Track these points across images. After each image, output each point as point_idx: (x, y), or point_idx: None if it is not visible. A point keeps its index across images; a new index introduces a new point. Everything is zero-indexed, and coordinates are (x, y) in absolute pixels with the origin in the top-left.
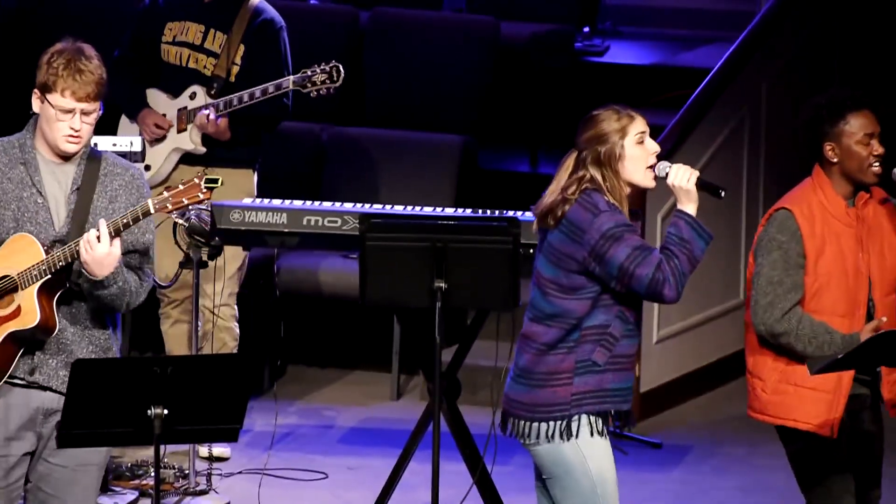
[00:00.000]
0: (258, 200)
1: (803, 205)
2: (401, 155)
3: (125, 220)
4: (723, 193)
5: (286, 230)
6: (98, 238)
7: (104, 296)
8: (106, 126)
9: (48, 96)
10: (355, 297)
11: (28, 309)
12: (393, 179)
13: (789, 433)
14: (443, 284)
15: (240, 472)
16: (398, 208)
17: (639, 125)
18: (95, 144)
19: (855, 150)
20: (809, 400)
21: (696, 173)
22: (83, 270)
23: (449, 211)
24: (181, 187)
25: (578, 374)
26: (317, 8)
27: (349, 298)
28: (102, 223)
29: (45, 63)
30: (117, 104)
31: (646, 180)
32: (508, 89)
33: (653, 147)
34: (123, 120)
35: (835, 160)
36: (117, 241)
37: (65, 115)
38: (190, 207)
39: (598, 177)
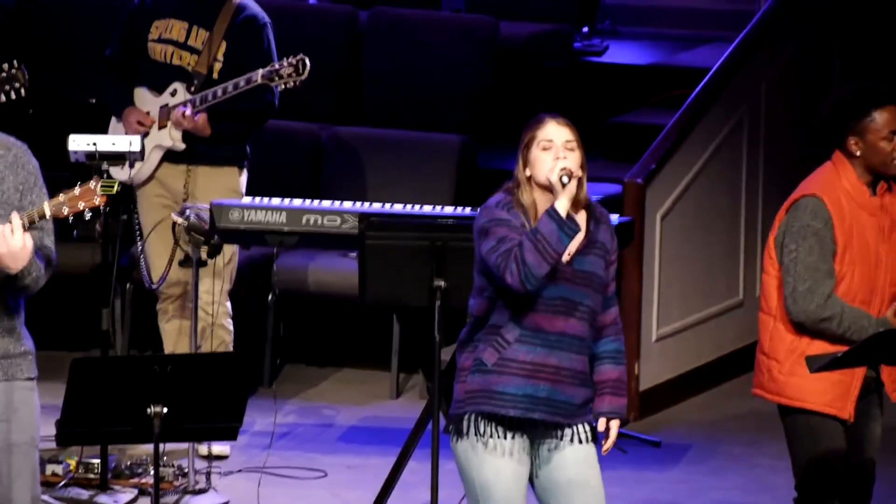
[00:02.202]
0: (257, 199)
1: (830, 193)
2: (400, 154)
3: (21, 222)
4: (566, 180)
5: (285, 229)
6: (12, 231)
7: (17, 286)
8: (103, 127)
9: None
10: (354, 295)
11: None
12: (392, 179)
13: (793, 409)
14: (442, 283)
15: (239, 471)
16: (397, 207)
17: (547, 132)
18: (95, 144)
19: (880, 147)
20: (827, 382)
21: (560, 166)
22: None
23: (448, 210)
24: (77, 191)
25: (471, 373)
26: (316, 7)
27: (348, 297)
28: (16, 216)
29: None
30: (106, 103)
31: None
32: (507, 89)
33: (556, 153)
34: (113, 120)
35: (858, 154)
36: (28, 235)
37: None
38: (188, 206)
39: (518, 178)
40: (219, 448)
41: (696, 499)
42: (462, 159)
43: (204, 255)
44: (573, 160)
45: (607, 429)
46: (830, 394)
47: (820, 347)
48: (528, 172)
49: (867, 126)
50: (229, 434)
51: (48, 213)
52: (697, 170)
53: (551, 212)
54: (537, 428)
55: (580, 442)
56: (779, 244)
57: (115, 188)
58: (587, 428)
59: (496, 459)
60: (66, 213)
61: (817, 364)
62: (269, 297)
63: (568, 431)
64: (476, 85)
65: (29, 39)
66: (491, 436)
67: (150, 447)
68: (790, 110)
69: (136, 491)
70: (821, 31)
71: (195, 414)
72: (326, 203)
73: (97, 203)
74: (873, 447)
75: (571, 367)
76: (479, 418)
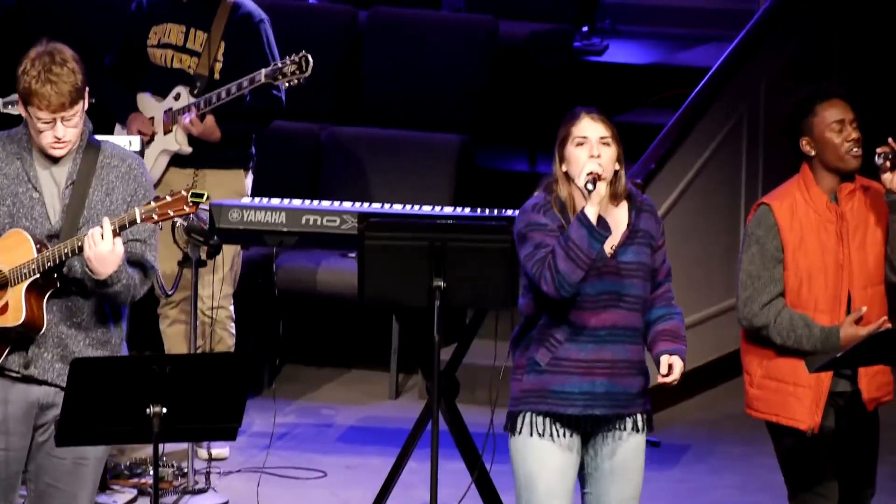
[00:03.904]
0: (257, 199)
1: (784, 199)
2: (399, 154)
3: (113, 227)
4: (590, 186)
5: (285, 229)
6: (102, 235)
7: (108, 293)
8: (102, 128)
9: (28, 108)
10: (354, 296)
11: (14, 306)
12: (391, 179)
13: (777, 428)
14: (441, 283)
15: (238, 471)
16: (397, 207)
17: (582, 128)
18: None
19: (828, 138)
20: (791, 396)
21: (586, 171)
22: (87, 269)
23: (447, 210)
24: (168, 199)
25: (526, 372)
26: (315, 7)
27: (348, 297)
28: (106, 221)
29: (21, 74)
30: (110, 110)
31: (580, 182)
32: (507, 88)
33: (590, 150)
34: (118, 127)
35: (812, 153)
36: (119, 240)
37: (46, 126)
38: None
39: (555, 174)
40: (218, 451)
41: (696, 498)
42: (461, 159)
43: (203, 256)
44: (608, 156)
45: (670, 366)
46: (795, 408)
47: (784, 362)
48: (564, 168)
49: (813, 122)
50: (228, 434)
51: (139, 219)
52: (697, 170)
53: (581, 217)
54: (598, 421)
55: (636, 431)
56: None
57: (204, 199)
58: (644, 418)
59: (544, 452)
60: (156, 220)
61: (816, 364)
62: (269, 297)
63: (628, 421)
64: (475, 84)
65: (28, 39)
66: (551, 434)
67: (149, 447)
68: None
69: (135, 491)
70: (820, 31)
71: (194, 414)
72: (326, 203)
73: (187, 211)
74: (870, 456)
75: (627, 357)
76: (536, 416)
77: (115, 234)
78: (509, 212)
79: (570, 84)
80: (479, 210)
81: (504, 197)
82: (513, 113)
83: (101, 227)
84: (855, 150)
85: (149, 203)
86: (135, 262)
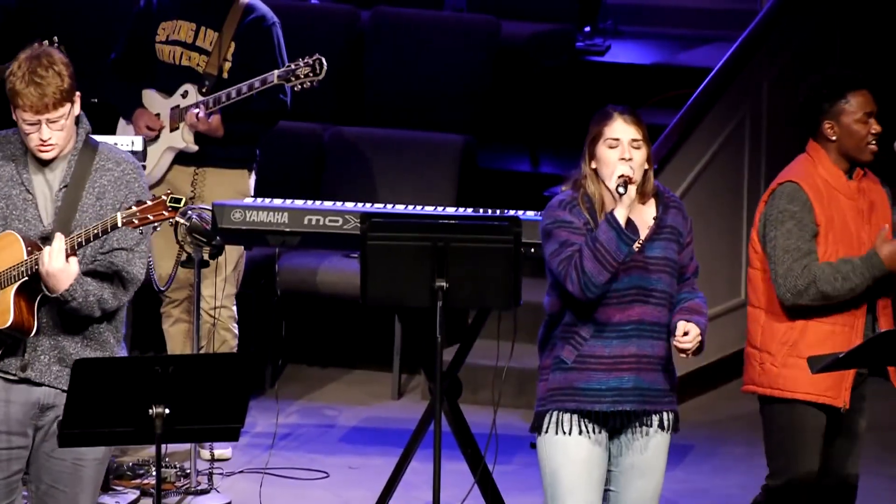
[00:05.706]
0: (259, 200)
1: (808, 179)
2: (401, 154)
3: (95, 231)
4: (622, 190)
5: (287, 229)
6: (51, 253)
7: (66, 308)
8: (105, 127)
9: (15, 110)
10: (356, 296)
11: (2, 309)
12: (394, 179)
13: (780, 399)
14: (444, 284)
15: (241, 472)
16: (399, 208)
17: (614, 130)
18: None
19: (855, 129)
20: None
21: (618, 174)
22: (42, 285)
23: (450, 210)
24: (149, 203)
25: (553, 371)
26: (317, 7)
27: (350, 298)
28: (60, 238)
29: (8, 75)
30: (114, 105)
31: (612, 185)
32: (509, 89)
33: (622, 152)
34: (121, 122)
35: (833, 138)
36: (74, 259)
37: (31, 128)
38: (190, 207)
39: (583, 171)
40: (220, 451)
41: (697, 499)
42: (463, 159)
43: (206, 256)
44: (639, 158)
45: (686, 334)
46: (824, 383)
47: (812, 336)
48: (593, 165)
49: (842, 109)
50: (231, 435)
51: (120, 223)
52: (699, 170)
53: (610, 219)
54: (627, 417)
55: (662, 430)
56: (761, 236)
57: (182, 204)
58: (671, 417)
59: (569, 446)
60: (136, 224)
61: (819, 365)
62: (272, 297)
63: (654, 418)
64: (478, 85)
65: (30, 39)
66: (579, 431)
67: (152, 448)
68: (792, 110)
69: (138, 492)
70: (822, 31)
71: (197, 415)
72: (328, 203)
73: (166, 216)
74: (859, 441)
75: (653, 353)
76: (563, 414)
77: (70, 252)
78: (511, 212)
79: (572, 84)
80: (481, 210)
81: (506, 197)
82: (515, 113)
83: (53, 245)
84: (874, 143)
85: (129, 208)
86: (113, 273)
